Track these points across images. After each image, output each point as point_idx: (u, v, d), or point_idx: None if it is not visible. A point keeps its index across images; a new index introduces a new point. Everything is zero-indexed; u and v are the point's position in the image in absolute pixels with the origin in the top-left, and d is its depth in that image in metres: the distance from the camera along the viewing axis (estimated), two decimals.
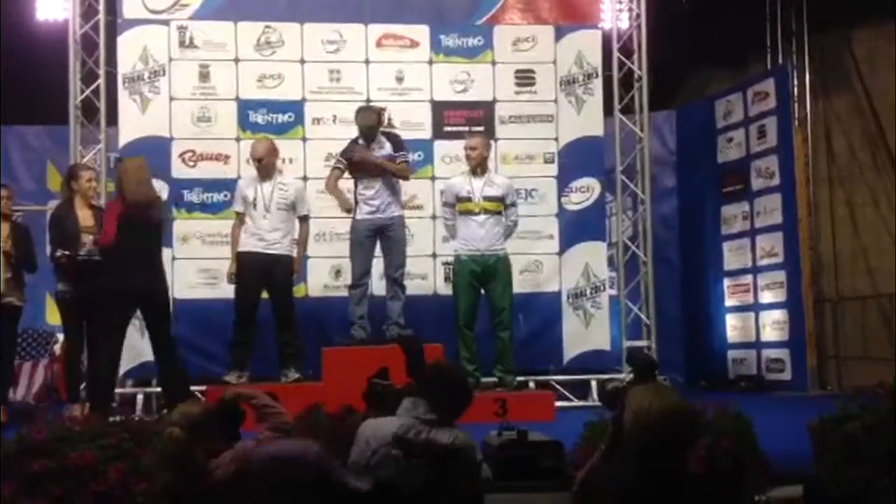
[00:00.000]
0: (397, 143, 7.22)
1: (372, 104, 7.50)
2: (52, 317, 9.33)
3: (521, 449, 4.24)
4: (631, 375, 7.48)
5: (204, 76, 7.77)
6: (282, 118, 7.83)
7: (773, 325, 9.17)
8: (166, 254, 7.54)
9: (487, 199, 7.04)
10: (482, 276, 7.02)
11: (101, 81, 7.72)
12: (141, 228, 6.15)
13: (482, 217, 7.01)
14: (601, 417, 4.35)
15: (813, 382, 8.85)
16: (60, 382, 8.19)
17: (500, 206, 7.08)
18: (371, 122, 7.10)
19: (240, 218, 7.00)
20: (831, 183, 9.53)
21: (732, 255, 9.67)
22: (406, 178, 7.33)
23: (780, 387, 8.89)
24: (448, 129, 7.99)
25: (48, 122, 9.04)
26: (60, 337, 8.64)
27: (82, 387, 6.80)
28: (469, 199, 7.04)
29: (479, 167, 7.08)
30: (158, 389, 7.68)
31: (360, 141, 7.13)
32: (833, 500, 3.90)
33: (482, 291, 7.08)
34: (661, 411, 2.76)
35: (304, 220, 7.12)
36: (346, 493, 3.24)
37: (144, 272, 6.15)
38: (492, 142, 7.56)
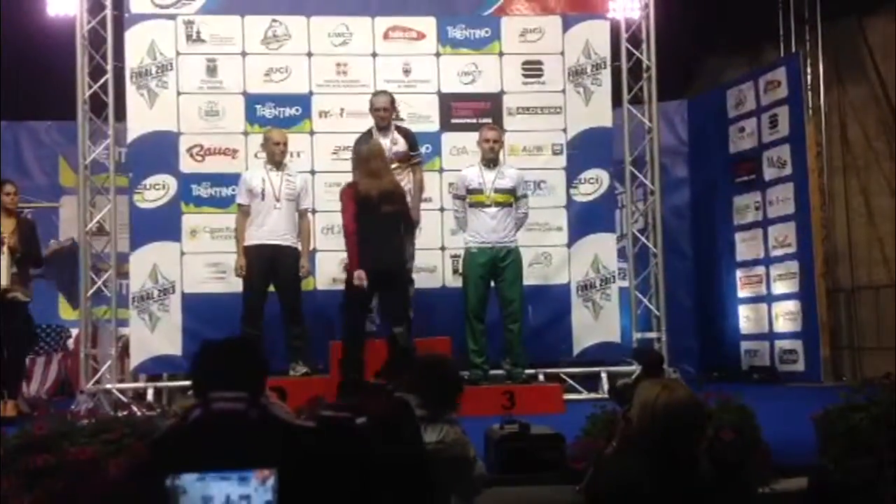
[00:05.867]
0: (412, 141, 7.19)
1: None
2: (66, 312, 9.43)
3: (522, 442, 4.23)
4: (639, 369, 7.55)
5: (211, 70, 7.74)
6: (289, 112, 7.79)
7: (786, 316, 9.11)
8: (174, 248, 7.63)
9: (499, 191, 7.02)
10: (492, 268, 7.00)
11: (108, 76, 7.70)
12: (377, 216, 6.37)
13: (493, 209, 6.99)
14: (604, 410, 4.34)
15: (828, 373, 8.77)
16: (74, 376, 8.26)
17: (511, 197, 7.05)
18: (385, 103, 7.08)
19: (243, 211, 7.01)
20: (846, 172, 9.42)
21: (745, 246, 9.61)
22: (422, 189, 7.30)
23: (794, 378, 8.83)
24: (456, 121, 7.93)
25: (59, 118, 9.08)
26: (74, 332, 8.71)
27: None
28: (480, 191, 7.02)
29: (494, 159, 7.06)
30: (169, 384, 7.73)
31: (375, 133, 7.06)
32: (837, 491, 3.87)
33: (492, 283, 7.06)
34: (668, 405, 2.75)
35: (304, 214, 7.12)
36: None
37: (381, 255, 6.37)
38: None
